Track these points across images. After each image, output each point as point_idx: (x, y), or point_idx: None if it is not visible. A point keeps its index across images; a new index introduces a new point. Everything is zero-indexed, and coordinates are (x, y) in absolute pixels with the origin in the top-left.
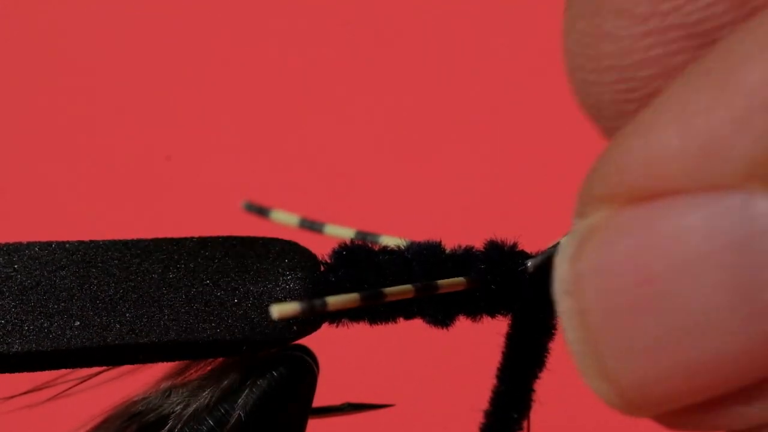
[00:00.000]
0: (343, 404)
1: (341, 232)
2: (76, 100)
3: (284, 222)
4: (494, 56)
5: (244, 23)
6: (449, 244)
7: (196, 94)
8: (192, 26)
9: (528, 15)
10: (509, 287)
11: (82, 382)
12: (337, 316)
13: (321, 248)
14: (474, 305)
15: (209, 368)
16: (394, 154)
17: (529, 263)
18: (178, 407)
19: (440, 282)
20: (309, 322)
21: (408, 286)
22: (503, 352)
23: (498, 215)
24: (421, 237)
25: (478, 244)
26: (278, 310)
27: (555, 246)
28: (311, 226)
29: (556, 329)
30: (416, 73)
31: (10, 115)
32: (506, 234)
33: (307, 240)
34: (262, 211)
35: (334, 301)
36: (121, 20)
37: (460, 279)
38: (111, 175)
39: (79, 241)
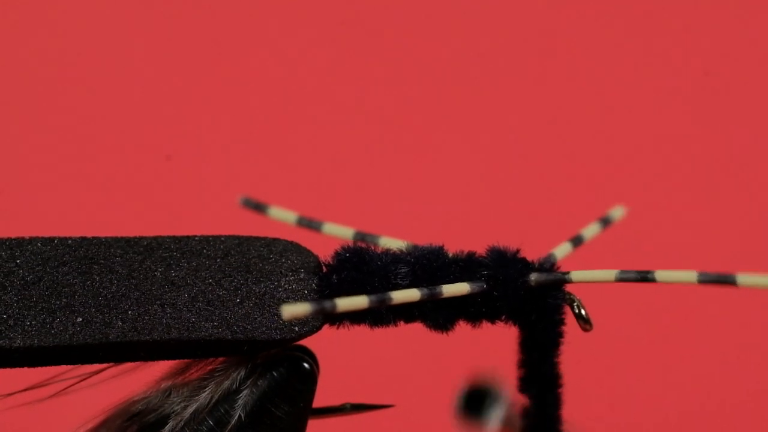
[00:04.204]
0: (343, 404)
1: (340, 231)
2: (76, 100)
3: (282, 219)
4: (498, 60)
5: (243, 23)
6: (451, 249)
7: (196, 94)
8: (191, 26)
9: (534, 15)
10: (511, 295)
11: (82, 380)
12: (338, 318)
13: (317, 247)
14: (475, 311)
15: (209, 368)
16: (394, 155)
17: (533, 278)
18: (178, 407)
19: (445, 287)
20: (311, 323)
21: (414, 291)
22: (519, 361)
23: (500, 220)
24: (421, 240)
25: (481, 249)
26: (289, 311)
27: (565, 273)
28: (309, 224)
29: (563, 334)
30: (417, 74)
31: (12, 114)
32: (509, 239)
33: (304, 238)
34: (259, 207)
35: (343, 303)
36: (121, 19)
37: (464, 285)
38: (111, 174)
39: (81, 237)
